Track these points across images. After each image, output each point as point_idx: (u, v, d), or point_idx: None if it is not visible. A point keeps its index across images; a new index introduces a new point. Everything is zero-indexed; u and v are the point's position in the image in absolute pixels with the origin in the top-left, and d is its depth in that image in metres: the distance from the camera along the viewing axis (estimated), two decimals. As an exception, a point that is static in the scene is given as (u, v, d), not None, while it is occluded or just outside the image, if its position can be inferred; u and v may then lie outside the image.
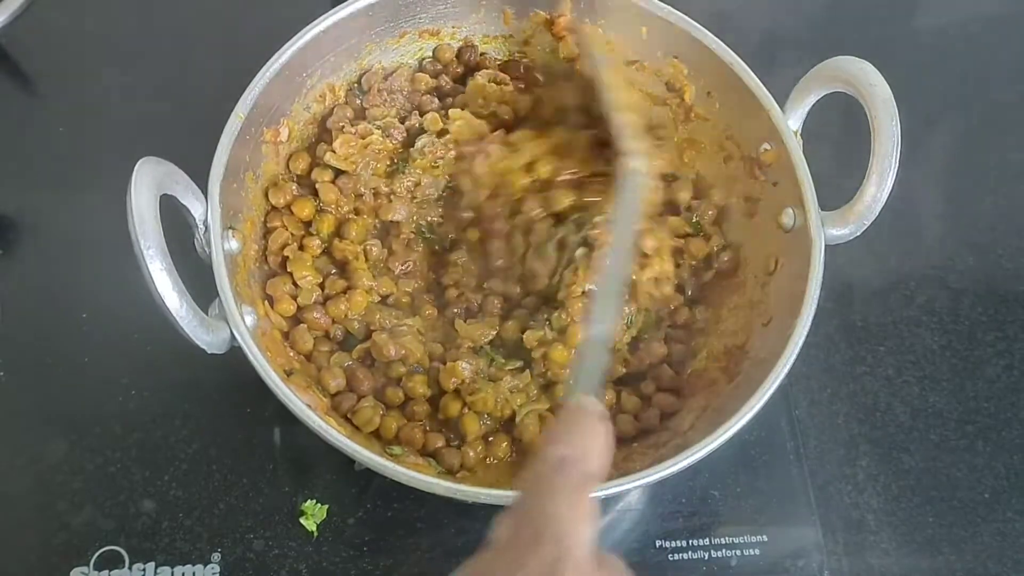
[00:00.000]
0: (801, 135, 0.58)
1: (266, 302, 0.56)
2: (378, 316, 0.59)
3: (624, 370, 0.59)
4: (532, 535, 0.33)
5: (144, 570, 0.55)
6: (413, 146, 0.62)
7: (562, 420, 0.38)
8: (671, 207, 0.64)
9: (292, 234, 0.60)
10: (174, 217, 0.48)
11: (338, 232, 0.61)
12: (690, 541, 0.58)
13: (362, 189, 0.61)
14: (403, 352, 0.57)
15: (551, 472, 0.35)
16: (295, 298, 0.58)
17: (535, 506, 0.34)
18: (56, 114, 0.73)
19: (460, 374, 0.56)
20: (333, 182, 0.61)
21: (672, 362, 0.60)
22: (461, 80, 0.67)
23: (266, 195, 0.60)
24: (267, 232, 0.59)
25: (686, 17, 0.62)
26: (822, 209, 0.55)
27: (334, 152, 0.61)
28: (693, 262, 0.63)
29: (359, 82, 0.65)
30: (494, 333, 0.59)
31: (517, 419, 0.56)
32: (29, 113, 0.75)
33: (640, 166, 0.52)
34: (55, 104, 0.75)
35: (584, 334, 0.44)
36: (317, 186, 0.61)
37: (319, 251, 0.60)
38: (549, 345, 0.57)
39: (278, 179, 0.61)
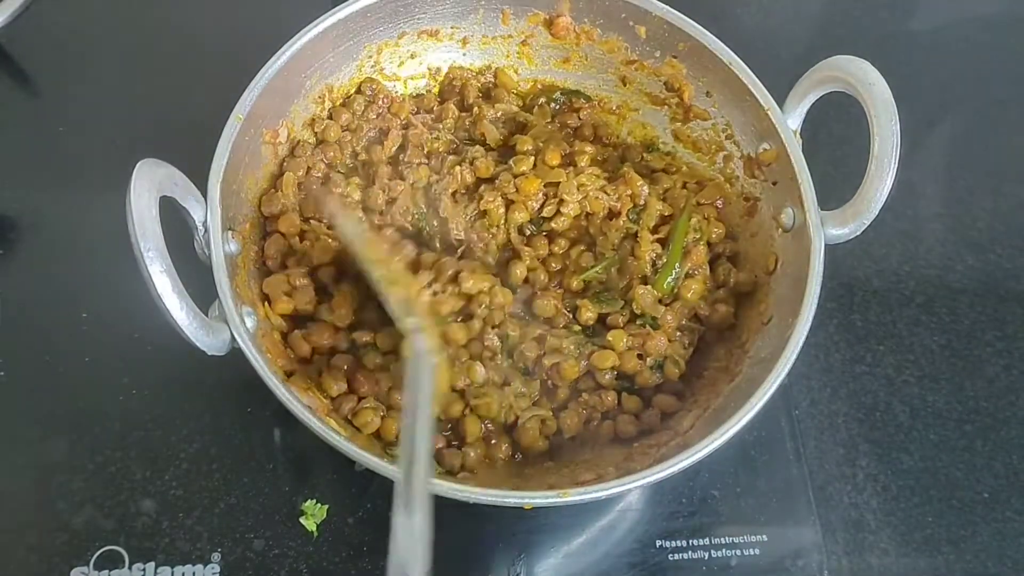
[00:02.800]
0: (801, 135, 0.58)
1: (266, 303, 0.56)
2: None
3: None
4: None
5: (144, 570, 0.55)
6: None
7: None
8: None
9: (289, 244, 0.59)
10: (174, 219, 0.48)
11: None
12: (690, 541, 0.59)
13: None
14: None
15: None
16: (291, 296, 0.57)
17: None
18: (56, 114, 0.73)
19: (475, 376, 0.56)
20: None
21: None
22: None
23: (260, 202, 0.60)
24: (266, 235, 0.59)
25: (685, 17, 0.62)
26: (821, 208, 0.55)
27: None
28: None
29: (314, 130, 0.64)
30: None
31: (519, 423, 0.56)
32: (29, 113, 0.75)
33: (423, 345, 0.47)
34: (55, 104, 0.75)
35: (394, 541, 0.41)
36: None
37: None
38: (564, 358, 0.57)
39: (269, 189, 0.61)
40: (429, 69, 0.69)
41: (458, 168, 0.63)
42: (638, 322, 0.59)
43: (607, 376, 0.58)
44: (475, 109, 0.67)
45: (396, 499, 0.41)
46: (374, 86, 0.66)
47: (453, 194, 0.63)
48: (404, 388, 0.46)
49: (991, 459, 0.64)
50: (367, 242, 0.54)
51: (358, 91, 0.66)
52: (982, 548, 0.61)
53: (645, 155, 0.67)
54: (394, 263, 0.55)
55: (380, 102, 0.66)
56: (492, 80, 0.70)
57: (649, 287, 0.60)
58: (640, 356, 0.58)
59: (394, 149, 0.64)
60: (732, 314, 0.60)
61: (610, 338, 0.58)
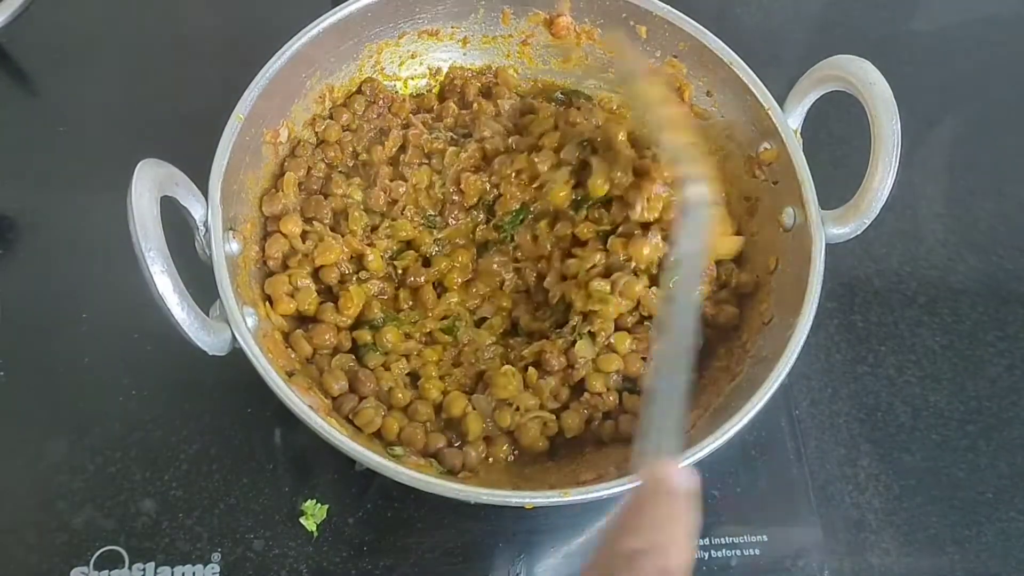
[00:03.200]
0: (801, 134, 0.58)
1: (267, 303, 0.56)
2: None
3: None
4: None
5: (144, 570, 0.55)
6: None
7: (637, 498, 0.31)
8: None
9: (290, 244, 0.59)
10: (175, 218, 0.48)
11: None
12: (690, 541, 0.58)
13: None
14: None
15: (626, 563, 0.29)
16: (293, 296, 0.57)
17: None
18: (56, 114, 0.73)
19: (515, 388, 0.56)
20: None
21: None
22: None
23: (260, 202, 0.59)
24: (267, 234, 0.59)
25: (685, 16, 0.62)
26: (822, 208, 0.55)
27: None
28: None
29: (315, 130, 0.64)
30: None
31: (521, 422, 0.56)
32: (29, 113, 0.75)
33: (700, 194, 0.45)
34: (55, 104, 0.75)
35: (653, 386, 0.36)
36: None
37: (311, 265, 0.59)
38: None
39: (270, 189, 0.61)
40: (429, 69, 0.69)
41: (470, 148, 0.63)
42: (645, 324, 0.59)
43: (612, 379, 0.57)
44: (475, 106, 0.67)
45: (651, 396, 0.35)
46: (374, 86, 0.66)
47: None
48: (675, 240, 0.43)
49: (994, 459, 0.64)
50: (650, 81, 0.51)
51: (358, 91, 0.66)
52: (985, 548, 0.61)
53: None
54: (674, 107, 0.52)
55: (380, 102, 0.66)
56: (493, 79, 0.69)
57: (656, 288, 0.59)
58: (644, 358, 0.58)
59: (394, 150, 0.64)
60: (737, 315, 0.59)
61: (614, 341, 0.57)
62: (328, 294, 0.59)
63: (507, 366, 0.57)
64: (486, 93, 0.69)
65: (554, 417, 0.56)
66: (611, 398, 0.57)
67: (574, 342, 0.57)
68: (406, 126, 0.65)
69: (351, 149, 0.64)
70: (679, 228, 0.45)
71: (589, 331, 0.57)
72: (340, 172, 0.63)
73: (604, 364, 0.57)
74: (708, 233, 0.44)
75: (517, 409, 0.56)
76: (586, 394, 0.57)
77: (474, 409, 0.56)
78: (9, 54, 0.77)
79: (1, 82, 0.76)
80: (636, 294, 0.57)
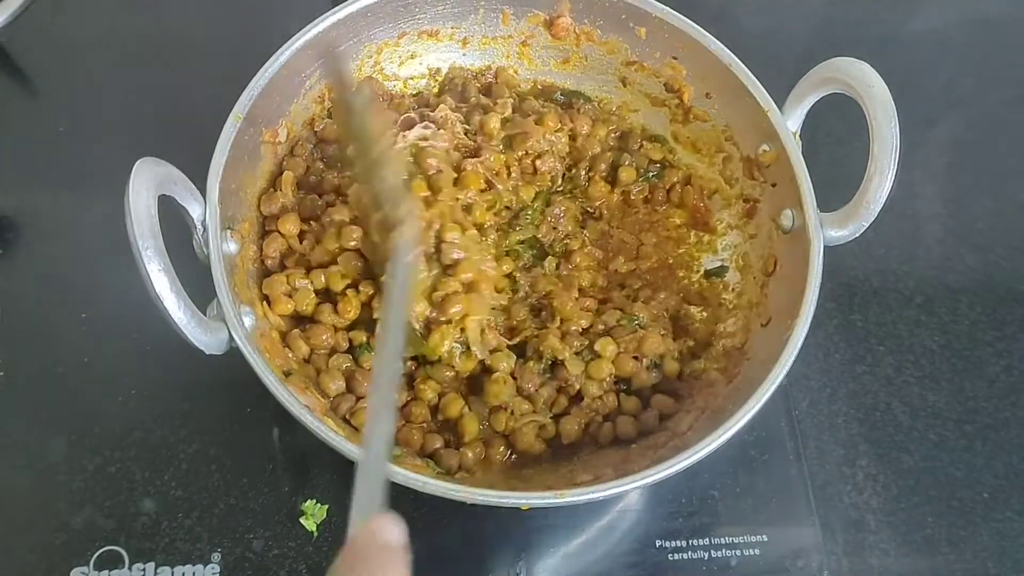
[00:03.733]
0: (800, 136, 0.58)
1: (264, 303, 0.56)
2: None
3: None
4: None
5: (144, 570, 0.55)
6: None
7: (354, 552, 0.33)
8: None
9: (288, 244, 0.59)
10: (173, 217, 0.48)
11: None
12: (690, 541, 0.58)
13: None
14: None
15: None
16: (291, 296, 0.57)
17: None
18: (56, 114, 0.73)
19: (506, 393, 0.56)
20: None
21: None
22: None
23: (259, 201, 0.59)
24: (265, 234, 0.59)
25: (685, 18, 0.62)
26: (821, 210, 0.55)
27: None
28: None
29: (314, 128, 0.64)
30: None
31: (516, 427, 0.56)
32: (29, 113, 0.75)
33: (409, 238, 0.45)
34: (55, 104, 0.75)
35: (362, 451, 0.37)
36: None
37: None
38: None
39: (268, 188, 0.61)
40: (429, 69, 0.69)
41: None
42: (622, 322, 0.59)
43: (606, 382, 0.57)
44: (472, 99, 0.67)
45: (362, 446, 0.37)
46: (374, 85, 0.66)
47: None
48: (384, 285, 0.43)
49: (991, 459, 0.64)
50: (372, 115, 0.51)
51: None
52: (982, 548, 0.61)
53: (645, 143, 0.67)
54: (393, 144, 0.52)
55: (380, 100, 0.66)
56: (492, 79, 0.69)
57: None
58: (636, 358, 0.58)
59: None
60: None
61: (597, 348, 0.58)
62: (326, 295, 0.59)
63: (499, 372, 0.57)
64: (486, 91, 0.69)
65: (551, 421, 0.56)
66: (610, 399, 0.57)
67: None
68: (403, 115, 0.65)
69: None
70: (390, 281, 0.45)
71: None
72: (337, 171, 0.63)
73: (595, 371, 0.57)
74: (414, 284, 0.46)
75: (512, 413, 0.56)
76: (586, 400, 0.57)
77: (470, 411, 0.56)
78: (9, 54, 0.77)
79: (1, 82, 0.76)
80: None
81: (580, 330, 0.59)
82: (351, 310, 0.57)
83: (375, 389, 0.39)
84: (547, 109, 0.66)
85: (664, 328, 0.59)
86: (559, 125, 0.65)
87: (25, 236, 0.68)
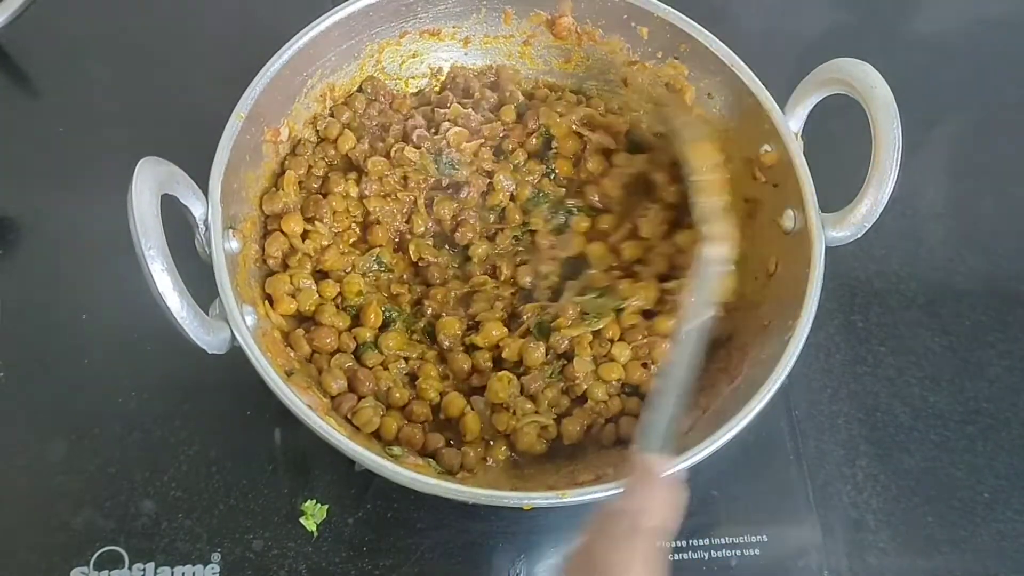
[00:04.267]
0: (802, 137, 0.58)
1: (266, 302, 0.56)
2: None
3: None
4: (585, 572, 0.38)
5: (144, 570, 0.55)
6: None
7: (631, 475, 0.41)
8: None
9: (290, 244, 0.59)
10: (175, 217, 0.48)
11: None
12: (690, 541, 0.58)
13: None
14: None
15: (608, 521, 0.38)
16: (294, 296, 0.57)
17: (592, 549, 0.38)
18: (56, 114, 0.73)
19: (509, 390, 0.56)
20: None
21: None
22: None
23: (261, 200, 0.59)
24: (267, 233, 0.59)
25: (687, 18, 0.62)
26: (823, 211, 0.55)
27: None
28: None
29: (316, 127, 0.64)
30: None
31: (518, 427, 0.55)
32: (29, 113, 0.75)
33: (718, 253, 0.52)
34: (55, 104, 0.75)
35: (653, 404, 0.44)
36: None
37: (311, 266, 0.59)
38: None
39: (270, 188, 0.61)
40: (431, 69, 0.69)
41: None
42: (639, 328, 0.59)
43: (613, 386, 0.57)
44: (476, 94, 0.67)
45: (652, 405, 0.44)
46: (375, 84, 0.66)
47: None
48: (690, 292, 0.50)
49: (992, 460, 0.64)
50: (701, 146, 0.58)
51: (359, 90, 0.66)
52: (983, 548, 0.61)
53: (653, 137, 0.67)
54: (712, 173, 0.57)
55: (381, 99, 0.66)
56: (494, 78, 0.69)
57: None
58: (644, 364, 0.58)
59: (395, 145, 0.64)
60: (730, 325, 0.60)
61: (613, 350, 0.57)
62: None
63: (503, 371, 0.57)
64: (492, 87, 0.69)
65: (553, 422, 0.56)
66: (614, 403, 0.57)
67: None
68: (408, 117, 0.65)
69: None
70: (695, 282, 0.51)
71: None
72: (338, 170, 0.63)
73: (605, 373, 0.57)
74: (719, 290, 0.52)
75: (514, 413, 0.56)
76: (590, 402, 0.57)
77: (472, 410, 0.56)
78: (9, 54, 0.77)
79: (1, 82, 0.76)
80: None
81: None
82: (373, 316, 0.57)
83: (676, 360, 0.46)
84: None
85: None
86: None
87: (25, 236, 0.68)
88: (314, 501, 0.57)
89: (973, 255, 0.73)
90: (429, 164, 0.62)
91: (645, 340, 0.58)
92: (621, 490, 0.41)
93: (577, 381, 0.57)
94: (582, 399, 0.57)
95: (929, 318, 0.70)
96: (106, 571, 0.55)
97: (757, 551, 0.58)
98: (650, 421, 0.43)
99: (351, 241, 0.62)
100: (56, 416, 0.60)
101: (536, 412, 0.56)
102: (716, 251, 0.52)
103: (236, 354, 0.49)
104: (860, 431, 0.65)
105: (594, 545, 0.38)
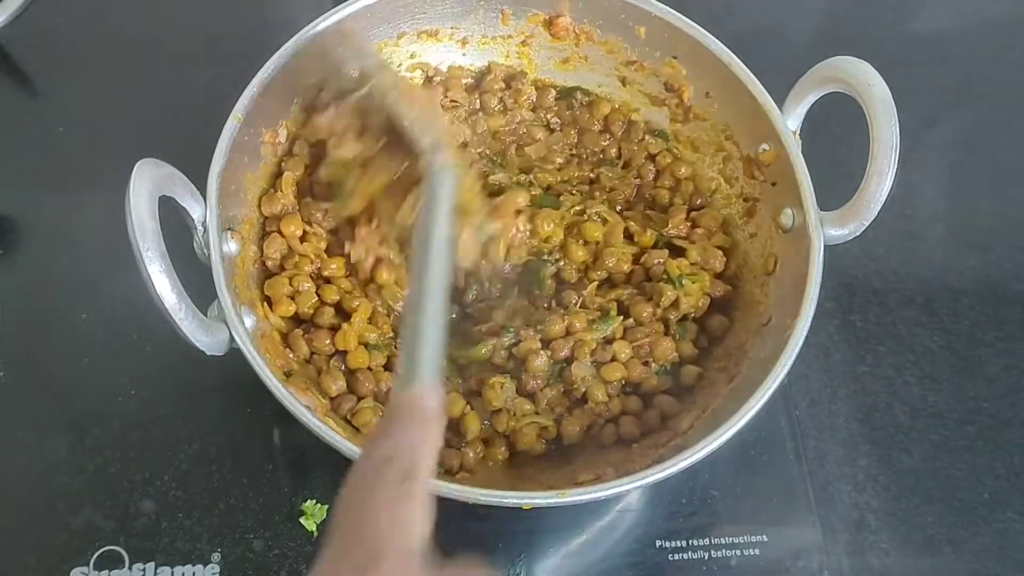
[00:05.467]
0: (800, 135, 0.58)
1: (265, 304, 0.56)
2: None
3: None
4: (351, 535, 0.32)
5: (144, 570, 0.55)
6: None
7: (391, 413, 0.36)
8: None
9: (288, 245, 0.59)
10: (173, 218, 0.48)
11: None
12: (690, 541, 0.58)
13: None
14: None
15: (373, 470, 0.33)
16: (294, 299, 0.57)
17: (356, 504, 0.33)
18: (56, 114, 0.73)
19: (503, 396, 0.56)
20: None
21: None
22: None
23: (259, 202, 0.59)
24: (265, 235, 0.59)
25: (684, 17, 0.62)
26: (821, 209, 0.55)
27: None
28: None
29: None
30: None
31: (517, 427, 0.55)
32: (29, 113, 0.75)
33: (445, 159, 0.49)
34: (55, 104, 0.75)
35: (409, 321, 0.39)
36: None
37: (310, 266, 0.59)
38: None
39: (269, 189, 0.60)
40: (428, 69, 0.69)
41: None
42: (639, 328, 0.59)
43: (613, 386, 0.57)
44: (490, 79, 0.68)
45: (403, 326, 0.39)
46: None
47: None
48: (418, 215, 0.47)
49: (992, 459, 0.64)
50: (386, 69, 0.55)
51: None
52: (983, 548, 0.61)
53: (647, 136, 0.67)
54: (410, 87, 0.56)
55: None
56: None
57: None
58: (645, 363, 0.58)
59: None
60: (726, 322, 0.60)
61: (615, 348, 0.57)
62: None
63: (497, 377, 0.56)
64: (508, 82, 0.68)
65: (553, 423, 0.56)
66: (615, 404, 0.57)
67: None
68: None
69: None
70: (425, 190, 0.48)
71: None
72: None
73: (607, 374, 0.57)
74: (456, 192, 0.48)
75: (514, 414, 0.56)
76: (590, 403, 0.57)
77: (472, 410, 0.56)
78: (9, 54, 0.77)
79: (1, 82, 0.76)
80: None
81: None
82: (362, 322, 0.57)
83: (422, 291, 0.40)
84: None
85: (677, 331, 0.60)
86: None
87: (25, 236, 0.68)
88: (314, 501, 0.58)
89: (972, 254, 0.73)
90: None
91: (647, 339, 0.58)
92: (380, 434, 0.35)
93: (575, 385, 0.57)
94: (582, 400, 0.57)
95: (928, 317, 0.70)
96: (106, 571, 0.55)
97: (757, 551, 0.58)
98: (409, 350, 0.37)
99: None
100: (56, 416, 0.60)
101: (536, 413, 0.56)
102: (441, 158, 0.49)
103: (235, 354, 0.49)
104: (860, 431, 0.65)
105: (357, 498, 0.33)
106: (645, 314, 0.59)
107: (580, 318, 0.58)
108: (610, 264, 0.61)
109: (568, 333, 0.58)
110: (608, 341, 0.58)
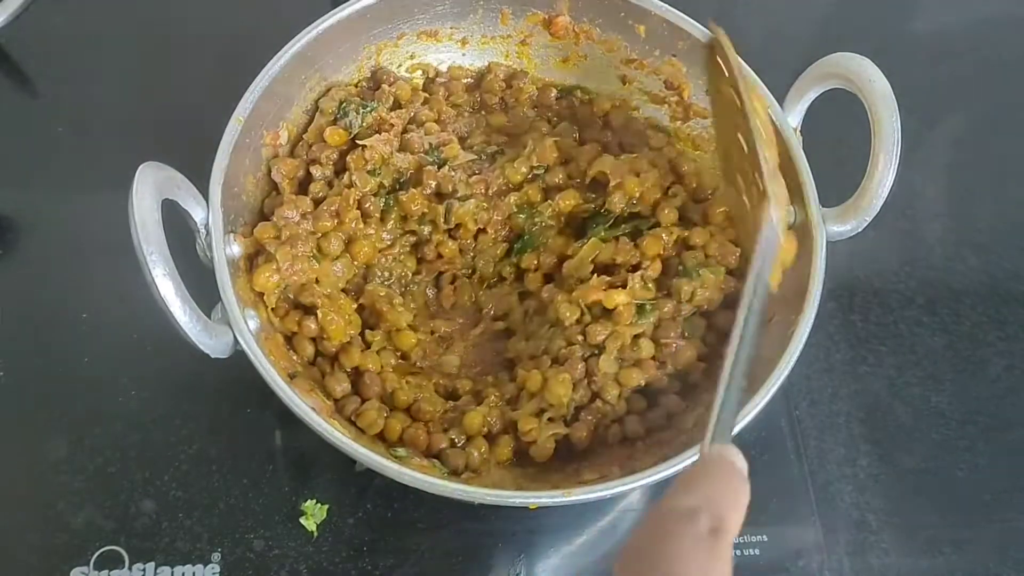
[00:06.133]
0: (801, 132, 0.58)
1: (269, 308, 0.56)
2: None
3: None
4: None
5: (144, 570, 0.55)
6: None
7: (699, 469, 0.36)
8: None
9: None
10: (175, 220, 0.48)
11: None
12: (690, 541, 0.58)
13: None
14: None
15: (679, 522, 0.32)
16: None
17: (659, 558, 0.32)
18: (56, 114, 0.73)
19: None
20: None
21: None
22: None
23: (262, 204, 0.59)
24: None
25: (684, 15, 0.61)
26: (823, 206, 0.55)
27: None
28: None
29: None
30: None
31: (538, 439, 0.55)
32: (29, 113, 0.75)
33: (779, 214, 0.49)
34: (55, 104, 0.75)
35: (722, 389, 0.41)
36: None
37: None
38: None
39: (271, 191, 0.60)
40: (428, 70, 0.69)
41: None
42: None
43: (626, 389, 0.56)
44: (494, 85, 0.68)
45: (720, 388, 0.41)
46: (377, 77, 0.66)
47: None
48: (753, 260, 0.46)
49: (993, 460, 0.64)
50: (756, 95, 0.55)
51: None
52: (984, 549, 0.61)
53: (649, 131, 0.67)
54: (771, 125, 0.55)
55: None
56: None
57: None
58: (661, 363, 0.57)
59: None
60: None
61: (641, 344, 0.56)
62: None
63: (564, 374, 0.55)
64: (509, 81, 0.68)
65: (564, 429, 0.56)
66: (621, 404, 0.56)
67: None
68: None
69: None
70: (757, 248, 0.48)
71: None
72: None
73: (625, 378, 0.56)
74: (780, 254, 0.48)
75: (550, 419, 0.55)
76: (597, 401, 0.56)
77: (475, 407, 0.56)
78: (9, 54, 0.77)
79: (1, 82, 0.76)
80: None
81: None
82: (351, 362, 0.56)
83: (744, 334, 0.43)
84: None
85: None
86: None
87: (25, 236, 0.68)
88: (314, 501, 0.57)
89: (973, 254, 0.73)
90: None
91: (674, 344, 0.57)
92: (685, 487, 0.35)
93: (596, 378, 0.56)
94: (592, 396, 0.57)
95: (929, 317, 0.70)
96: (106, 571, 0.55)
97: (757, 551, 0.58)
98: (719, 411, 0.40)
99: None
100: (56, 416, 0.60)
101: (553, 420, 0.55)
102: (777, 214, 0.48)
103: (236, 354, 0.49)
104: (861, 431, 0.65)
105: (659, 550, 0.32)
106: (667, 308, 0.58)
107: (627, 307, 0.57)
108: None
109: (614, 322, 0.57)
110: (636, 336, 0.57)
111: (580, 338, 0.57)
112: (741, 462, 0.36)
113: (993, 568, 0.60)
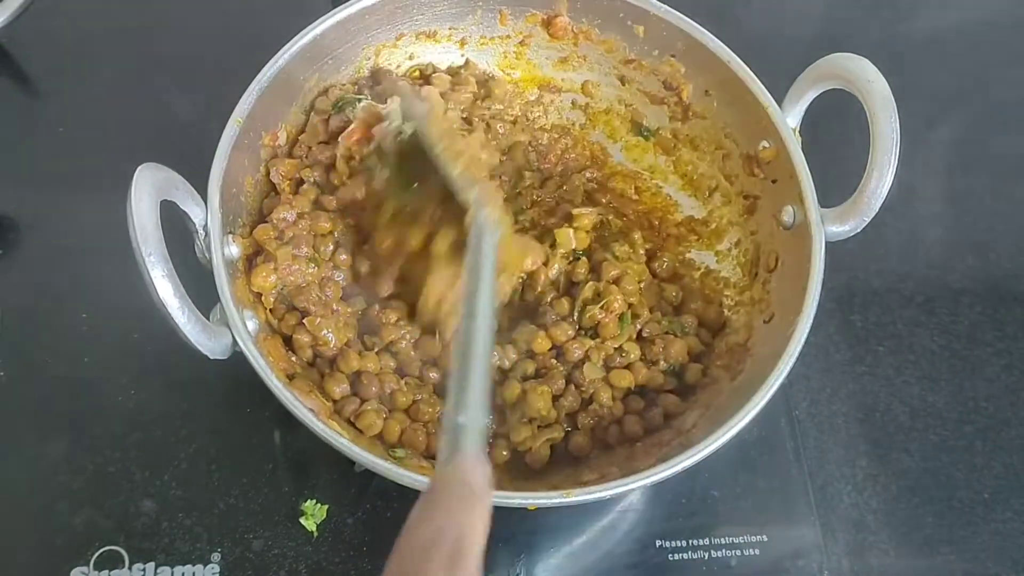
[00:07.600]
0: (800, 132, 0.58)
1: (267, 309, 0.56)
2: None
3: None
4: None
5: (144, 570, 0.55)
6: None
7: (433, 492, 0.34)
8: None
9: None
10: (174, 222, 0.48)
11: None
12: (690, 541, 0.58)
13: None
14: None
15: (419, 557, 0.31)
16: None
17: None
18: (56, 114, 0.73)
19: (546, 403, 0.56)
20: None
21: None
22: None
23: (261, 205, 0.59)
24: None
25: (683, 16, 0.62)
26: (822, 206, 0.55)
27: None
28: None
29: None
30: None
31: (534, 446, 0.55)
32: (29, 113, 0.75)
33: (488, 217, 0.48)
34: (55, 104, 0.75)
35: (450, 387, 0.37)
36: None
37: None
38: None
39: (270, 192, 0.60)
40: (427, 70, 0.69)
41: None
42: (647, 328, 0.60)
43: (619, 390, 0.57)
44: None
45: (448, 397, 0.37)
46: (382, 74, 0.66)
47: None
48: (464, 269, 0.45)
49: (991, 459, 0.64)
50: (433, 119, 0.54)
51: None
52: (982, 548, 0.61)
53: (627, 136, 0.68)
54: (456, 138, 0.55)
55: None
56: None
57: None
58: (653, 363, 0.58)
59: None
60: (720, 313, 0.61)
61: (627, 348, 0.57)
62: None
63: (543, 387, 0.56)
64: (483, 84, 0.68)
65: (562, 435, 0.56)
66: (618, 407, 0.57)
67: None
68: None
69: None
70: (469, 249, 0.47)
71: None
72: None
73: (616, 380, 0.57)
74: (498, 252, 0.47)
75: (540, 427, 0.55)
76: (594, 404, 0.57)
77: None
78: (9, 54, 0.77)
79: (1, 82, 0.76)
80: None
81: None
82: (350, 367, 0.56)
83: (467, 355, 0.39)
84: None
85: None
86: None
87: (25, 236, 0.68)
88: (314, 501, 0.58)
89: (971, 254, 0.73)
90: None
91: (660, 342, 0.58)
92: (421, 517, 0.33)
93: (583, 387, 0.57)
94: (588, 400, 0.57)
95: (927, 317, 0.70)
96: (106, 571, 0.55)
97: (757, 551, 0.58)
98: (451, 421, 0.36)
99: None
100: (56, 416, 0.60)
101: (549, 426, 0.56)
102: (483, 215, 0.47)
103: (236, 354, 0.49)
104: (859, 431, 0.65)
105: None
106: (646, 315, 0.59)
107: (609, 328, 0.58)
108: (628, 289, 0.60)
109: (602, 339, 0.58)
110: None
111: (553, 362, 0.58)
112: (476, 475, 0.34)
113: (991, 568, 0.60)
